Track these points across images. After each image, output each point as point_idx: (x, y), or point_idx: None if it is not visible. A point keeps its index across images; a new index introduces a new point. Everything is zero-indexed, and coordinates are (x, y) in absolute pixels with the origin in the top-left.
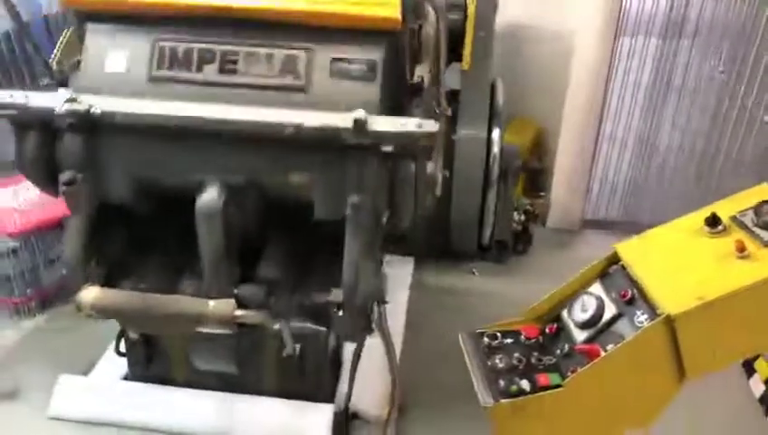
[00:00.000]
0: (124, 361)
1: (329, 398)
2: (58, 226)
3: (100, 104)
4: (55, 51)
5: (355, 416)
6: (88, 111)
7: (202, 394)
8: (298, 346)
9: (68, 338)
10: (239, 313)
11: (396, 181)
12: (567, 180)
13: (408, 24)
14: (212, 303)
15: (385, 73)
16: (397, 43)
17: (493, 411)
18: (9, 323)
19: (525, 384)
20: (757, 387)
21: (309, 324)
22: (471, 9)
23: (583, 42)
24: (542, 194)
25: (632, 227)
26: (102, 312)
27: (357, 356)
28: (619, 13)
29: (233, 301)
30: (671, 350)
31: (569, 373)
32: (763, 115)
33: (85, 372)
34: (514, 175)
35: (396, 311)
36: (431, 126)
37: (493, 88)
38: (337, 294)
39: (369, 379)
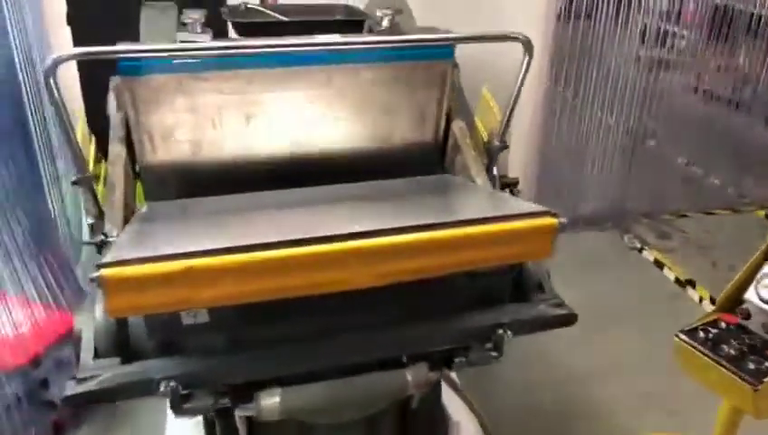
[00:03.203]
0: None
1: None
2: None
3: None
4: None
5: None
6: None
7: None
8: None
9: None
10: (432, 374)
11: None
12: None
13: None
14: (409, 371)
15: None
16: None
17: (759, 392)
18: None
19: (766, 364)
20: None
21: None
22: None
23: None
24: None
25: None
26: (295, 412)
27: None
28: None
29: (425, 364)
30: None
31: None
32: None
33: None
34: None
35: None
36: None
37: None
38: None
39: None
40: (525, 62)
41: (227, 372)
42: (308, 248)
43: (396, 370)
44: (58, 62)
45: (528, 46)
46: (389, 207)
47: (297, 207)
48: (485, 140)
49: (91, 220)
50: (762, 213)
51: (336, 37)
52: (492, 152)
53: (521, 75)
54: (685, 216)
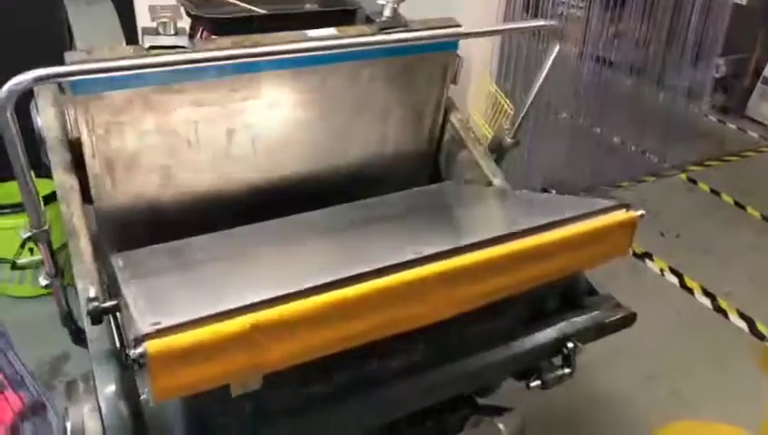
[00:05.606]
0: None
1: None
2: None
3: None
4: None
5: None
6: None
7: None
8: None
9: None
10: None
11: None
12: None
13: None
14: (500, 421)
15: None
16: None
17: None
18: None
19: None
20: None
21: None
22: None
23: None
24: None
25: None
26: None
27: None
28: None
29: (518, 411)
30: None
31: None
32: None
33: None
34: None
35: None
36: None
37: None
38: None
39: None
40: (555, 50)
41: None
42: (395, 277)
43: (488, 420)
44: (16, 90)
45: (556, 33)
46: (440, 225)
47: (322, 237)
48: (487, 135)
49: (46, 281)
50: (684, 176)
51: (333, 32)
52: (503, 150)
53: (547, 65)
54: (620, 186)
